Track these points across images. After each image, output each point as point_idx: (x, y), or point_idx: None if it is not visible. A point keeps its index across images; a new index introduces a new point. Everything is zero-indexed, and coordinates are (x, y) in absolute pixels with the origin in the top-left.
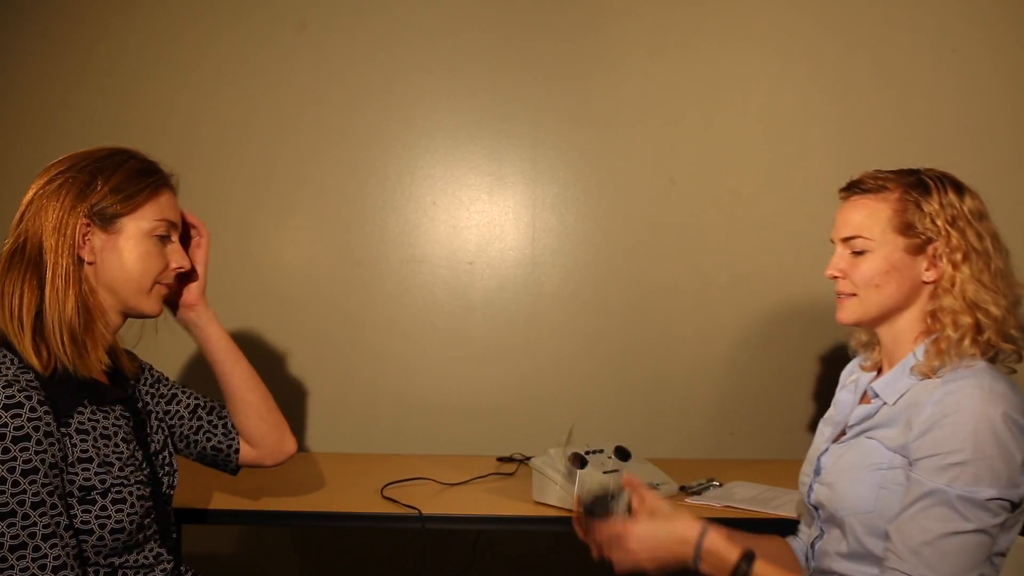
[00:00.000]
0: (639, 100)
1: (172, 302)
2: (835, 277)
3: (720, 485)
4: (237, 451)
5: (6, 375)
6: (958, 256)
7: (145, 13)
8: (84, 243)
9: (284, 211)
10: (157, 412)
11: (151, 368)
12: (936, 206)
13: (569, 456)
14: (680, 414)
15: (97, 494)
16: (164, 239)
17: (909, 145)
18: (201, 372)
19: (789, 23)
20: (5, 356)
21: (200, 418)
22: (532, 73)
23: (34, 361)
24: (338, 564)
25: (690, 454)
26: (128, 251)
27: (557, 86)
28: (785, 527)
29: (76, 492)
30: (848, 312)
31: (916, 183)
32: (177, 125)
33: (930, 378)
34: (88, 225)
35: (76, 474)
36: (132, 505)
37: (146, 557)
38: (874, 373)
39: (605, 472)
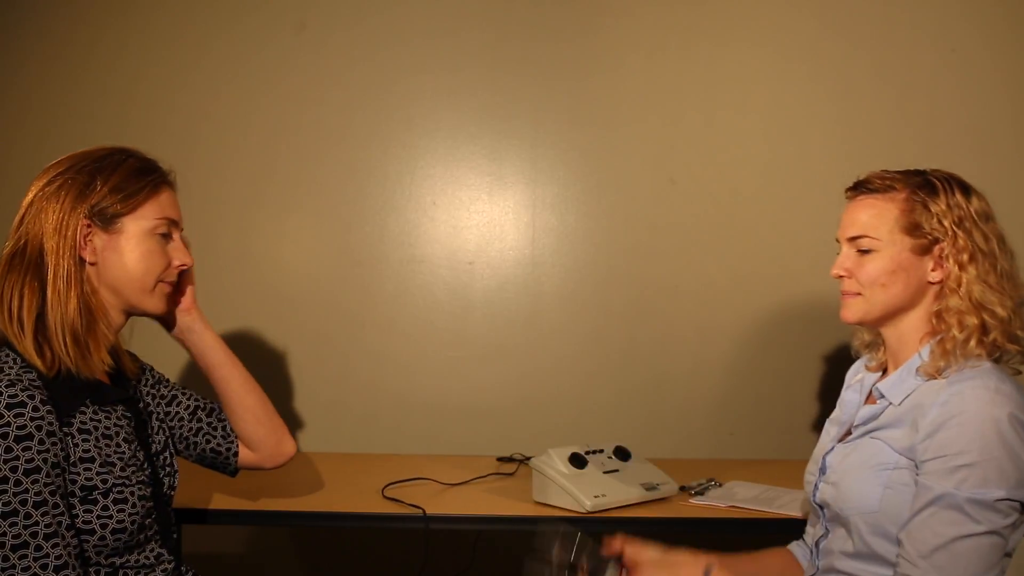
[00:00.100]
0: (639, 100)
1: (164, 317)
2: (841, 276)
3: (719, 485)
4: (236, 454)
5: (8, 374)
6: (964, 257)
7: (145, 13)
8: (86, 244)
9: (284, 211)
10: (158, 413)
11: (152, 369)
12: (943, 207)
13: (569, 456)
14: (680, 414)
15: (99, 494)
16: (166, 237)
17: (909, 145)
18: (201, 374)
19: (789, 23)
20: (8, 356)
21: (199, 420)
22: (532, 73)
23: (37, 362)
24: (339, 564)
25: (690, 454)
26: (130, 251)
27: (557, 86)
28: (790, 526)
29: (78, 492)
30: (852, 311)
31: (923, 184)
32: (177, 125)
33: (936, 379)
34: (89, 226)
35: (78, 474)
36: (133, 505)
37: (147, 557)
38: (879, 373)
39: (605, 472)
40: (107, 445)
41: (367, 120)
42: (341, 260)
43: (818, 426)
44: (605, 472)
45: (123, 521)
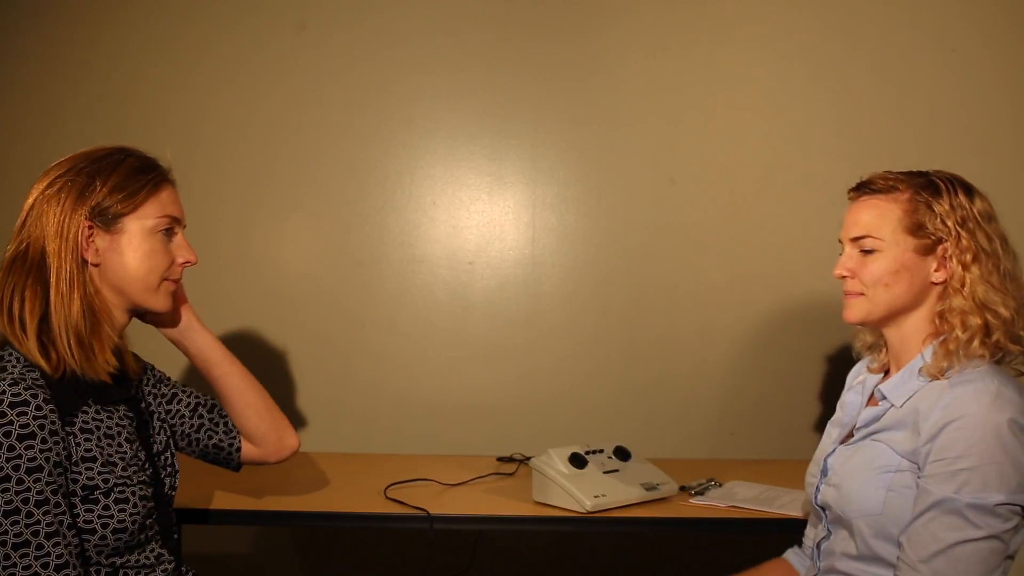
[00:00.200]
0: (639, 100)
1: (163, 318)
2: (843, 277)
3: (719, 485)
4: (239, 449)
5: (12, 373)
6: (968, 257)
7: (145, 13)
8: (88, 245)
9: (284, 211)
10: (159, 412)
11: (153, 368)
12: (947, 207)
13: (569, 456)
14: (680, 414)
15: (100, 493)
16: (168, 234)
17: (909, 145)
18: (200, 374)
19: (789, 23)
20: (11, 355)
21: (201, 416)
22: (532, 73)
23: (42, 363)
24: (339, 564)
25: (690, 454)
26: (132, 250)
27: (557, 86)
28: (790, 526)
29: (79, 491)
30: (855, 311)
31: (927, 184)
32: (177, 125)
33: (938, 379)
34: (90, 227)
35: (79, 473)
36: (134, 505)
37: (147, 557)
38: (881, 375)
39: (605, 472)
40: (109, 445)
41: (367, 120)
42: (341, 260)
43: (819, 426)
44: (605, 472)
45: (124, 521)
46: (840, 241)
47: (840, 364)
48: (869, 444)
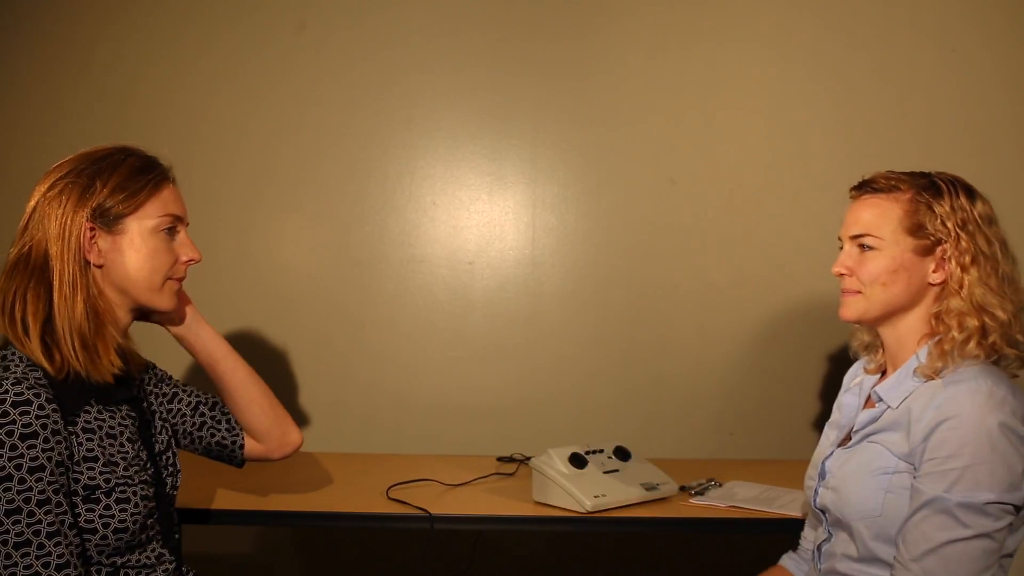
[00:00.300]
0: (639, 100)
1: (169, 315)
2: (841, 274)
3: (719, 485)
4: (242, 446)
5: (15, 372)
6: (967, 259)
7: (145, 13)
8: (90, 247)
9: (284, 211)
10: (161, 412)
11: (155, 367)
12: (947, 208)
13: (569, 456)
14: (680, 414)
15: (101, 493)
16: (171, 232)
17: (909, 145)
18: (202, 372)
19: (789, 23)
20: (14, 354)
21: (202, 414)
22: (532, 73)
23: (46, 364)
24: (340, 564)
25: (690, 454)
26: (135, 251)
27: (557, 86)
28: (790, 526)
29: (81, 491)
30: (851, 309)
31: (928, 185)
32: (177, 125)
33: (933, 379)
34: (92, 228)
35: (81, 473)
36: (136, 505)
37: (148, 557)
38: (877, 376)
39: (605, 472)
40: (111, 444)
41: (367, 120)
42: (341, 260)
43: (818, 426)
44: (605, 472)
45: (125, 521)
46: (840, 239)
47: (840, 364)
48: (866, 446)
